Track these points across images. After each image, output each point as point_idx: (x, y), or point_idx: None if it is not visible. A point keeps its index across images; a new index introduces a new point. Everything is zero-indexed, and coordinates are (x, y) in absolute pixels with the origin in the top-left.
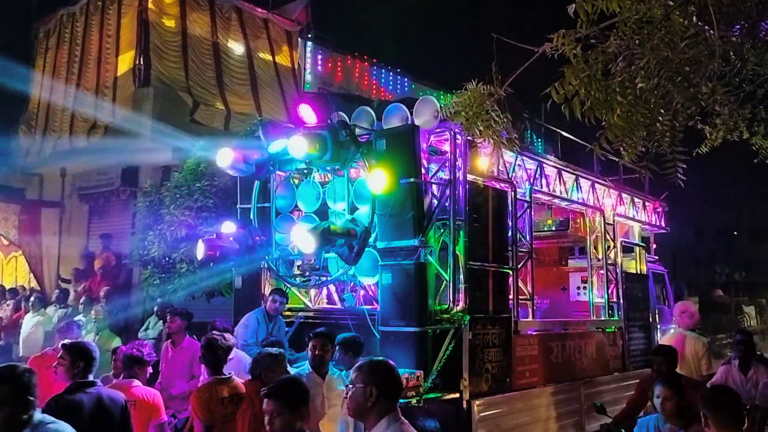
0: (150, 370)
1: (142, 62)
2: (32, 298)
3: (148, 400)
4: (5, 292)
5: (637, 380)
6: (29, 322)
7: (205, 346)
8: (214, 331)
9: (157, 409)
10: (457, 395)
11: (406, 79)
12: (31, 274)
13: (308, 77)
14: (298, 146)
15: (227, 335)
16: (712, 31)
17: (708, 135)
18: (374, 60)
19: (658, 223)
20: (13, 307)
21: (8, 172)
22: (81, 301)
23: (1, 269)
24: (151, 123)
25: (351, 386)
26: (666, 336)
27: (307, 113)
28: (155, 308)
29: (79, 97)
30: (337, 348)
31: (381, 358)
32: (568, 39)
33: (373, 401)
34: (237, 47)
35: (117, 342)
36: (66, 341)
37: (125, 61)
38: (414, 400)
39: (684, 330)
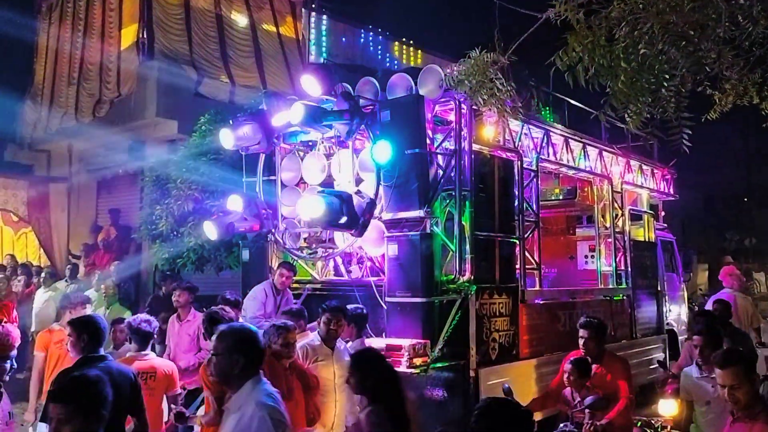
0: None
1: (145, 35)
2: (43, 274)
3: (165, 371)
4: (17, 268)
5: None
6: (41, 297)
7: (207, 319)
8: (219, 305)
9: (173, 381)
10: (464, 364)
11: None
12: (42, 250)
13: (313, 48)
14: (298, 114)
15: (227, 308)
16: None
17: (717, 100)
18: (379, 30)
19: (666, 191)
20: (24, 283)
21: (16, 149)
22: (96, 277)
23: (12, 246)
24: (156, 97)
25: (215, 355)
26: (716, 296)
27: (311, 84)
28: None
29: (84, 72)
30: None
31: (242, 324)
32: (571, 5)
33: (239, 369)
34: (240, 19)
35: (128, 315)
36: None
37: (128, 35)
38: (421, 370)
39: (733, 291)
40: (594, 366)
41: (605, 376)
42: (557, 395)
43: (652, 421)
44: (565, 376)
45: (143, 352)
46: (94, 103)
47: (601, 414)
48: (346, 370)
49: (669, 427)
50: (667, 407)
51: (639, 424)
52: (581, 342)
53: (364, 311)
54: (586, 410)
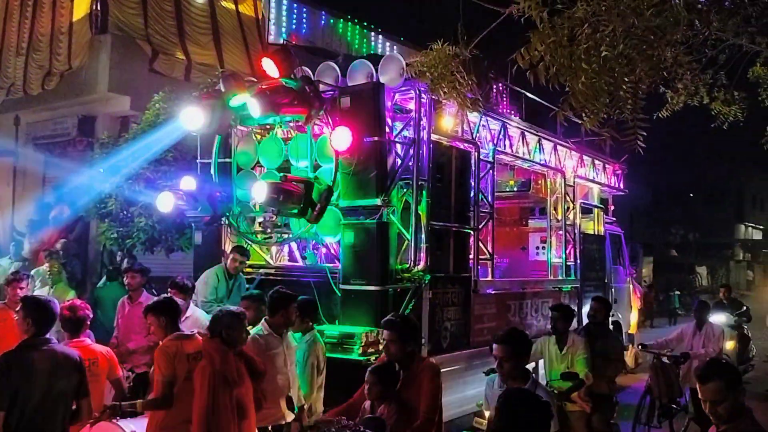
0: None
1: (99, 8)
2: None
3: (105, 356)
4: None
5: None
6: None
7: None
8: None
9: (114, 365)
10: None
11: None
12: None
13: (273, 28)
14: (255, 108)
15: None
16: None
17: (669, 99)
18: (341, 13)
19: (616, 185)
20: None
21: None
22: (45, 255)
23: None
24: (109, 72)
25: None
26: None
27: (270, 67)
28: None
29: (34, 43)
30: None
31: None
32: (534, 2)
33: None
34: None
35: (72, 295)
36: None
37: (81, 6)
38: (373, 357)
39: None
40: (403, 374)
41: (413, 387)
42: (357, 409)
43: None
44: (366, 387)
45: (80, 339)
46: (44, 75)
47: None
48: (294, 356)
49: None
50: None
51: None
52: (381, 347)
53: (312, 300)
54: None
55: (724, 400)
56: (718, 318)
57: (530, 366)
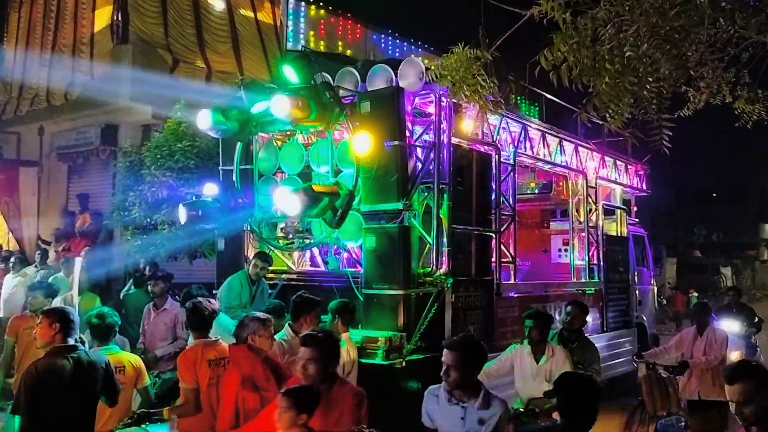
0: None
1: (120, 18)
2: (13, 259)
3: (133, 364)
4: None
5: None
6: (10, 282)
7: (191, 310)
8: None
9: (142, 373)
10: (440, 356)
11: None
12: (10, 235)
13: (291, 35)
14: (280, 106)
15: (212, 300)
16: None
17: (691, 98)
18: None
19: (639, 186)
20: None
21: None
22: (61, 262)
23: None
24: (130, 81)
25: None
26: None
27: (290, 73)
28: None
29: (57, 54)
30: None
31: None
32: (557, 3)
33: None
34: (217, 3)
35: (97, 303)
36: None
37: (102, 17)
38: (397, 362)
39: None
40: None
41: (332, 416)
42: None
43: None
44: (277, 413)
45: (108, 347)
46: (66, 85)
47: None
48: None
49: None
50: None
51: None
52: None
53: (350, 304)
54: None
55: (751, 401)
56: (731, 326)
57: (507, 379)
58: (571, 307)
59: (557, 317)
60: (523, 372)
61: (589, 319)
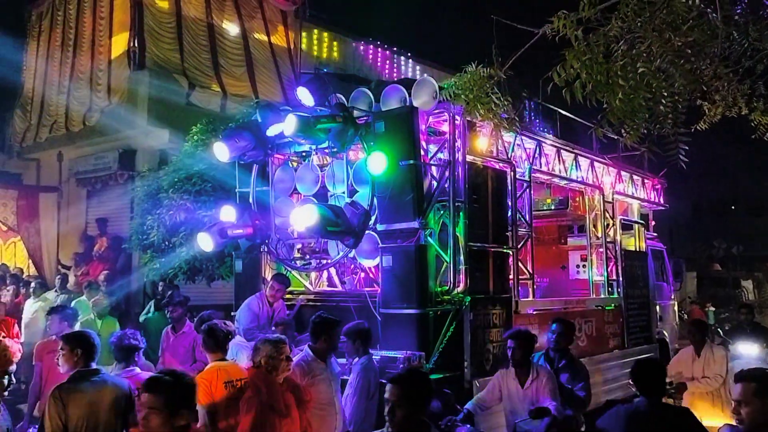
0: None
1: (136, 44)
2: (33, 284)
3: None
4: (6, 277)
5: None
6: (30, 308)
7: (206, 332)
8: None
9: None
10: (459, 375)
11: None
12: (30, 260)
13: (305, 58)
14: (291, 124)
15: (227, 322)
16: (714, 13)
17: (707, 111)
18: (371, 39)
19: (656, 200)
20: (12, 293)
21: (5, 158)
22: (84, 285)
23: (1, 255)
24: (147, 106)
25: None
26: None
27: (305, 95)
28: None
29: (74, 81)
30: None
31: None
32: (569, 21)
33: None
34: (232, 28)
35: (117, 327)
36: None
37: (119, 44)
38: None
39: None
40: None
41: None
42: None
43: None
44: None
45: (129, 369)
46: (85, 111)
47: None
48: (336, 382)
49: None
50: None
51: None
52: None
53: (365, 326)
54: None
55: (749, 402)
56: (749, 350)
57: (499, 407)
58: (557, 326)
59: (577, 333)
60: (510, 396)
61: (609, 334)
